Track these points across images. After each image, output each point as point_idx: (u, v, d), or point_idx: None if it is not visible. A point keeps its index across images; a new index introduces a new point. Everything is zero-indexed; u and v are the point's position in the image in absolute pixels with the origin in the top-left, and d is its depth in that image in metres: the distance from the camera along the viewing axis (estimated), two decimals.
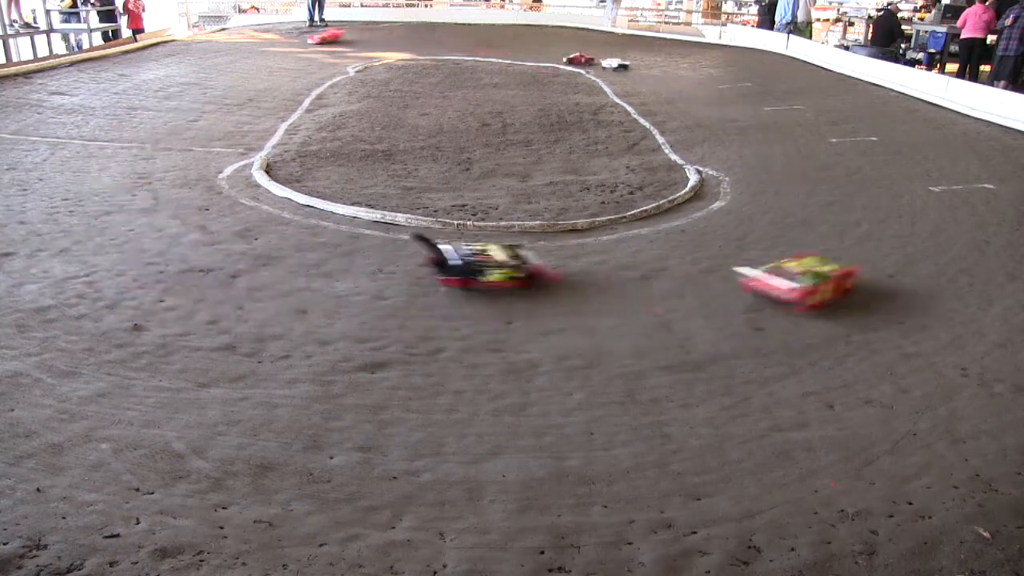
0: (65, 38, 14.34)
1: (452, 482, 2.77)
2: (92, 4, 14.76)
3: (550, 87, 11.71)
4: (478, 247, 4.59)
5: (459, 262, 4.40)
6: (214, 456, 2.83)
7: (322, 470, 2.79)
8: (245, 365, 3.52)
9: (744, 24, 18.08)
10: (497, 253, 4.51)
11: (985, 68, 11.73)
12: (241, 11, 20.58)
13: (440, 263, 4.44)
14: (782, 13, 16.29)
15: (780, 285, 4.34)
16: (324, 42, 15.05)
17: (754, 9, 20.70)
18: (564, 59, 14.16)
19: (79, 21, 14.60)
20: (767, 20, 17.13)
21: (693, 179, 6.83)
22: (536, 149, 8.01)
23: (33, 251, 4.75)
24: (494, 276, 4.39)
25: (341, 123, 8.77)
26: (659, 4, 25.69)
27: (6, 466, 2.69)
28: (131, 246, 4.94)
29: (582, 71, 13.20)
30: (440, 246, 4.53)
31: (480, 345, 3.83)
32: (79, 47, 14.32)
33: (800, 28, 15.51)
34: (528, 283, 4.48)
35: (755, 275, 4.49)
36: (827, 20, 18.23)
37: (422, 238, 4.60)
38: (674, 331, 4.04)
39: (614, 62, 13.89)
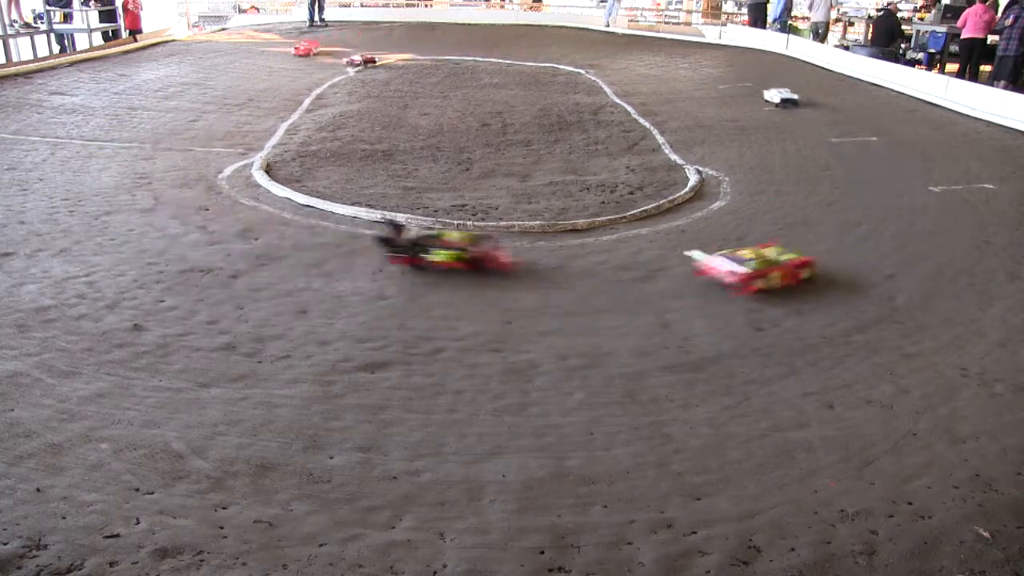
0: (59, 38, 14.34)
1: (452, 482, 2.77)
2: (92, 4, 14.77)
3: (550, 87, 11.71)
4: (436, 231, 4.86)
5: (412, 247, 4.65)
6: (214, 456, 2.83)
7: (322, 470, 2.79)
8: (245, 365, 3.52)
9: (744, 24, 18.06)
10: (452, 237, 4.76)
11: (985, 68, 11.72)
12: (241, 11, 20.59)
13: (387, 241, 4.68)
14: (774, 12, 16.27)
15: (722, 267, 4.45)
16: (310, 53, 14.24)
17: None
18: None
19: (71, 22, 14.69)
20: (760, 19, 17.09)
21: (693, 179, 6.83)
22: (536, 149, 8.01)
23: (33, 251, 4.75)
24: (439, 256, 4.60)
25: (341, 123, 8.78)
26: (659, 4, 25.67)
27: (6, 466, 2.69)
28: (131, 246, 4.94)
29: (582, 71, 13.19)
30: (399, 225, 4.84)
31: (480, 345, 3.83)
32: (73, 46, 14.34)
33: (818, 29, 15.35)
34: (473, 266, 4.64)
35: (703, 259, 4.61)
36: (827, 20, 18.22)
37: (391, 222, 4.87)
38: (674, 331, 4.04)
39: (777, 95, 10.24)
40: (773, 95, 10.40)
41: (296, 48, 14.48)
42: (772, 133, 8.74)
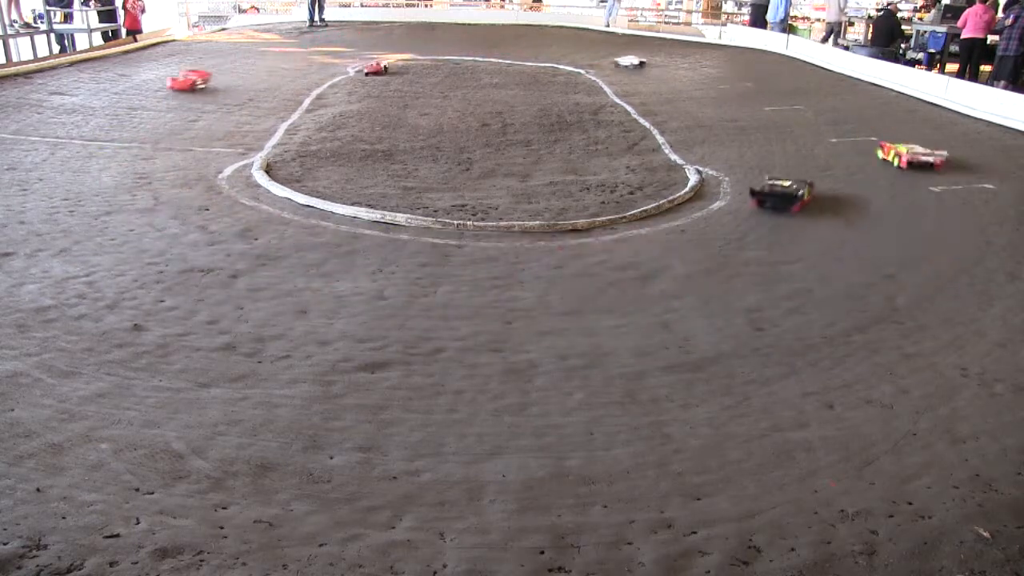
0: (59, 38, 14.34)
1: (452, 482, 2.77)
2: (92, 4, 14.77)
3: (550, 87, 11.71)
4: (780, 181, 6.08)
5: (792, 193, 5.73)
6: (214, 456, 2.83)
7: (322, 470, 2.79)
8: (245, 365, 3.52)
9: (744, 24, 18.06)
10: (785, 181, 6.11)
11: (985, 68, 11.72)
12: (241, 11, 20.57)
13: (787, 197, 5.70)
14: (774, 12, 16.23)
15: (932, 153, 6.87)
16: (192, 87, 10.23)
17: None
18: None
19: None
20: (759, 19, 17.05)
21: (693, 179, 6.83)
22: (536, 149, 8.01)
23: (33, 251, 4.75)
24: (806, 193, 5.87)
25: (341, 123, 8.78)
26: (659, 4, 25.66)
27: (6, 466, 2.69)
28: (131, 246, 4.94)
29: (582, 71, 13.20)
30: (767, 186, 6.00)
31: (480, 345, 3.83)
32: (73, 46, 14.33)
33: (831, 30, 15.28)
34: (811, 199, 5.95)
35: (907, 153, 6.94)
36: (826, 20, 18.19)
37: (758, 192, 5.94)
38: (674, 331, 4.04)
39: (633, 60, 13.75)
40: (628, 60, 13.79)
41: (172, 80, 10.27)
42: (772, 133, 8.74)
